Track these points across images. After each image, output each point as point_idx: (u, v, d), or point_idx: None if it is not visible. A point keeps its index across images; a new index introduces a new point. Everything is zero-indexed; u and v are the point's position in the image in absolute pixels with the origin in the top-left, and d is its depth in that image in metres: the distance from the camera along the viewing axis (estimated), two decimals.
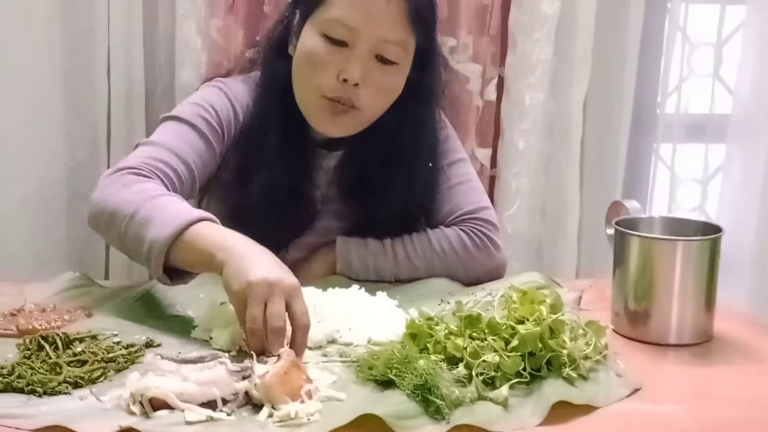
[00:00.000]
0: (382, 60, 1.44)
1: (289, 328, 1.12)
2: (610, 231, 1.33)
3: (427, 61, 1.51)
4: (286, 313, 1.11)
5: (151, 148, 1.40)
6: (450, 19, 1.84)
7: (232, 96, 1.52)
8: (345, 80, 1.42)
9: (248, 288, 1.11)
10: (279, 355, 1.05)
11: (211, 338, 1.20)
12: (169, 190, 1.34)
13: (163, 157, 1.37)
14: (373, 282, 1.46)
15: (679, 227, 1.35)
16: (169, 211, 1.25)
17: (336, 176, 1.57)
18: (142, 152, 1.38)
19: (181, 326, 1.26)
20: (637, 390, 1.10)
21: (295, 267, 1.49)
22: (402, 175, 1.53)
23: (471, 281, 1.48)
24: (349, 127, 1.49)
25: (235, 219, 1.45)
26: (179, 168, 1.38)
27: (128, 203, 1.27)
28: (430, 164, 1.55)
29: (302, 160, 1.54)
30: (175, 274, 1.27)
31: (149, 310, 1.31)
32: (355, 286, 1.35)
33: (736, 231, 2.00)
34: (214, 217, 1.26)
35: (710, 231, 1.30)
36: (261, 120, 1.50)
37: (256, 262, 1.15)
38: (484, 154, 1.89)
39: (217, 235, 1.21)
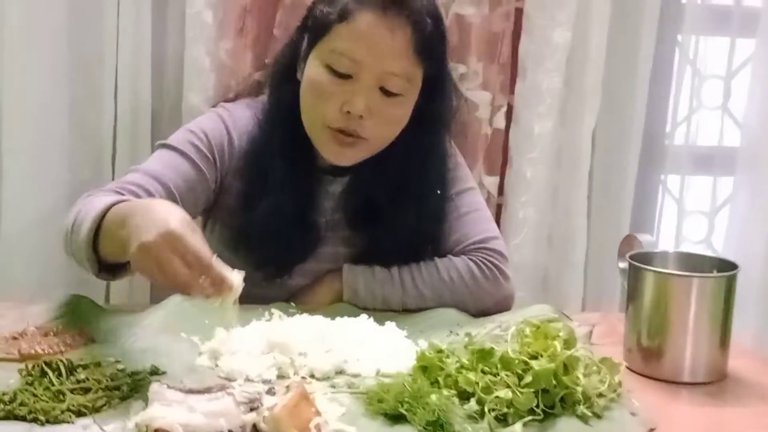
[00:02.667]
0: (386, 92, 1.43)
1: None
2: (623, 265, 1.32)
3: (436, 89, 1.50)
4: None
5: (132, 174, 1.42)
6: (460, 46, 1.83)
7: (230, 122, 1.52)
8: (349, 112, 1.41)
9: (136, 263, 1.12)
10: (288, 387, 1.03)
11: (217, 365, 1.18)
12: None
13: (138, 180, 1.39)
14: (380, 311, 1.44)
15: (693, 262, 1.33)
16: (93, 209, 1.25)
17: (342, 202, 1.56)
18: (122, 178, 1.42)
19: (187, 353, 1.23)
20: (652, 430, 1.08)
21: (300, 293, 1.49)
22: (409, 203, 1.51)
23: (479, 311, 1.46)
24: (357, 156, 1.48)
25: (240, 244, 1.45)
26: (153, 188, 1.39)
27: (75, 218, 1.29)
28: (439, 192, 1.54)
29: (307, 186, 1.53)
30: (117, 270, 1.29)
31: (154, 335, 1.28)
32: (364, 316, 1.33)
33: (742, 264, 1.98)
34: (128, 198, 1.29)
35: (725, 267, 1.28)
36: (266, 144, 1.50)
37: (145, 224, 1.11)
38: (491, 182, 1.88)
39: (121, 211, 1.20)
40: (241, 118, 1.53)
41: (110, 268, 1.29)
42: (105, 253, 1.26)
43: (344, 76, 1.41)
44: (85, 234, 1.24)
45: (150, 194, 1.37)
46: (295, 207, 1.50)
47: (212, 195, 1.50)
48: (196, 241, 1.10)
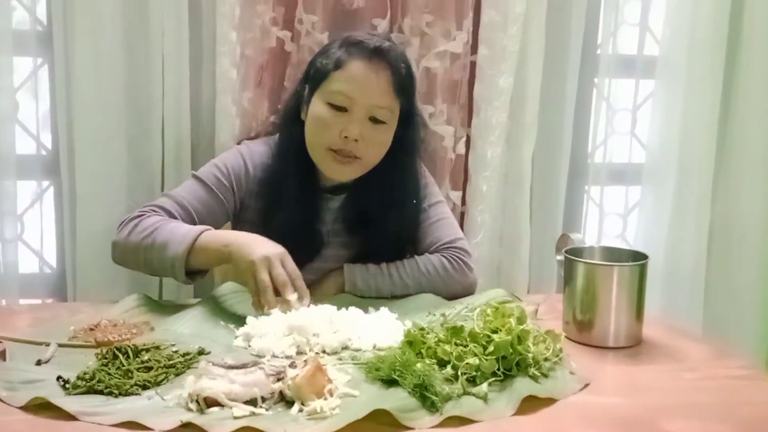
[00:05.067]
0: (375, 120, 1.44)
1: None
2: (560, 257, 1.32)
3: (408, 120, 1.51)
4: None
5: (163, 198, 1.46)
6: (428, 92, 1.82)
7: (248, 156, 1.52)
8: (346, 137, 1.42)
9: (253, 264, 1.26)
10: (306, 361, 1.03)
11: (249, 345, 1.18)
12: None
13: (162, 204, 1.43)
14: (373, 298, 1.43)
15: (614, 254, 1.34)
16: (178, 234, 1.34)
17: (340, 214, 1.55)
18: (151, 202, 1.46)
19: (225, 336, 1.23)
20: (587, 385, 1.09)
21: (310, 287, 1.48)
22: (392, 210, 1.51)
23: (450, 296, 1.46)
24: (354, 172, 1.48)
25: None
26: (173, 209, 1.42)
27: (144, 238, 1.36)
28: (414, 201, 1.54)
29: (313, 203, 1.52)
30: (195, 274, 1.38)
31: (199, 323, 1.27)
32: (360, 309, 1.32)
33: (648, 253, 1.98)
34: (209, 227, 1.37)
35: (638, 257, 1.29)
36: (279, 173, 1.50)
37: (252, 245, 1.29)
38: (456, 196, 1.87)
39: (218, 238, 1.34)
40: (258, 152, 1.53)
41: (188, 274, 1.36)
42: (194, 264, 1.34)
43: (341, 110, 1.43)
44: (183, 249, 1.32)
45: (172, 215, 1.41)
46: (304, 219, 1.50)
47: (231, 213, 1.51)
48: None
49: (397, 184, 1.52)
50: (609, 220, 2.06)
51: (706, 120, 1.96)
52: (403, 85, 1.46)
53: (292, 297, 1.25)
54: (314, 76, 1.47)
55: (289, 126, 1.52)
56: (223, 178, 1.48)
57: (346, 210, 1.55)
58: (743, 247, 1.99)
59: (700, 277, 2.00)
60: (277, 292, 1.26)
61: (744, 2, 1.93)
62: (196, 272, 1.38)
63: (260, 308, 1.25)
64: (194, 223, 1.43)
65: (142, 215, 1.40)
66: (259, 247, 1.29)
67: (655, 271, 1.97)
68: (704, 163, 1.97)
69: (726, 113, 1.99)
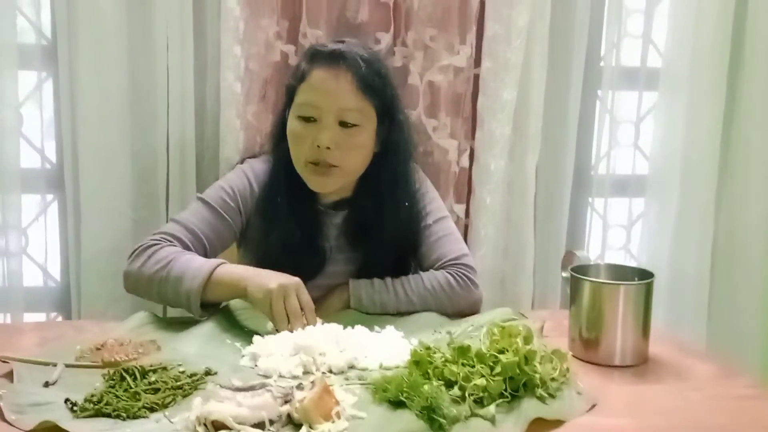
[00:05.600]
0: (345, 125, 1.44)
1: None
2: (566, 274, 1.32)
3: (392, 123, 1.51)
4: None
5: (170, 224, 1.46)
6: (432, 105, 1.82)
7: (251, 176, 1.53)
8: (318, 146, 1.43)
9: (268, 294, 1.28)
10: (313, 383, 1.03)
11: (256, 365, 1.18)
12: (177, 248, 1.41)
13: (173, 231, 1.43)
14: (378, 315, 1.43)
15: (620, 272, 1.33)
16: (192, 267, 1.34)
17: (343, 229, 1.55)
18: (162, 228, 1.45)
19: (232, 355, 1.23)
20: (594, 405, 1.08)
21: (316, 303, 1.48)
22: (389, 215, 1.51)
23: (456, 313, 1.45)
24: (336, 183, 1.49)
25: (263, 266, 1.43)
26: (184, 236, 1.42)
27: (157, 271, 1.35)
28: (407, 204, 1.53)
29: (314, 219, 1.53)
30: (209, 306, 1.37)
31: (205, 342, 1.27)
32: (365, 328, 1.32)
33: (653, 265, 1.98)
34: (223, 261, 1.37)
35: (645, 275, 1.29)
36: (273, 191, 1.51)
37: (266, 277, 1.31)
38: (460, 208, 1.87)
39: (232, 272, 1.35)
40: (262, 171, 1.54)
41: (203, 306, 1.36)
42: (209, 297, 1.34)
43: (311, 120, 1.44)
44: (198, 284, 1.32)
45: (184, 243, 1.42)
46: (303, 236, 1.50)
47: (238, 233, 1.52)
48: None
49: (389, 188, 1.51)
50: (612, 232, 2.06)
51: (710, 132, 1.96)
52: (368, 83, 1.45)
53: (286, 332, 1.25)
54: (287, 95, 1.51)
55: (277, 146, 1.53)
56: (230, 199, 1.49)
57: (348, 224, 1.55)
58: (747, 259, 1.99)
59: (704, 288, 2.00)
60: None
61: (747, 15, 1.93)
62: (210, 304, 1.37)
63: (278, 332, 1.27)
64: (204, 249, 1.44)
65: (155, 245, 1.39)
66: (275, 276, 1.31)
67: (659, 283, 1.95)
68: (708, 175, 1.97)
69: (729, 125, 1.99)
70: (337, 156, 1.44)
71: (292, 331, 1.24)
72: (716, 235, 2.01)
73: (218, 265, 1.35)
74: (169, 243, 1.40)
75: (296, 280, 1.31)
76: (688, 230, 1.98)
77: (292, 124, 1.46)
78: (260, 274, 1.33)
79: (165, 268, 1.35)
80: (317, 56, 1.46)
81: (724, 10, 1.91)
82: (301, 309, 1.29)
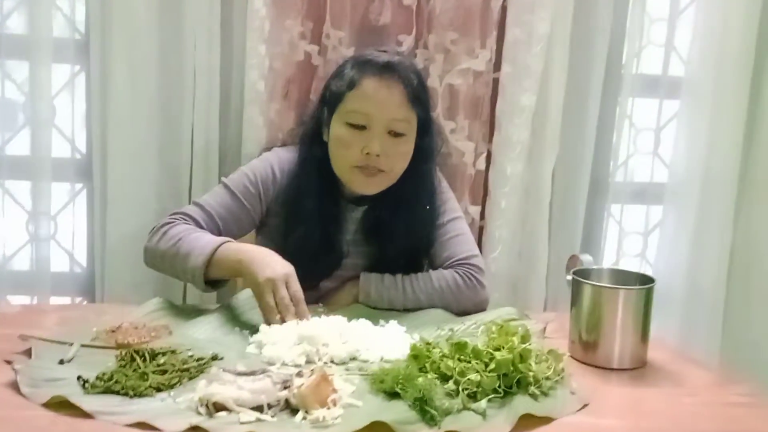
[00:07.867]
0: (394, 134, 1.48)
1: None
2: (569, 278, 1.34)
3: (426, 129, 1.55)
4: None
5: (190, 206, 1.52)
6: (451, 108, 1.86)
7: (276, 163, 1.56)
8: (368, 153, 1.46)
9: (258, 286, 1.31)
10: (312, 371, 1.07)
11: (261, 353, 1.22)
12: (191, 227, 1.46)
13: (189, 211, 1.49)
14: (386, 310, 1.47)
15: (622, 277, 1.35)
16: (198, 245, 1.40)
17: (362, 224, 1.59)
18: (181, 209, 1.51)
19: (239, 343, 1.27)
20: (585, 405, 1.10)
21: (327, 295, 1.53)
22: (408, 217, 1.55)
23: (461, 312, 1.48)
24: (381, 185, 1.53)
25: (281, 255, 1.47)
26: (200, 216, 1.48)
27: (170, 247, 1.42)
28: (428, 207, 1.57)
29: (335, 215, 1.57)
30: (216, 283, 1.43)
31: (215, 329, 1.32)
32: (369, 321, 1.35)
33: (669, 274, 2.00)
34: (229, 239, 1.41)
35: (647, 281, 1.30)
36: (300, 187, 1.54)
37: (261, 264, 1.33)
38: (475, 210, 1.90)
39: (232, 252, 1.38)
40: (287, 160, 1.58)
41: (209, 283, 1.41)
42: (213, 274, 1.39)
43: (361, 128, 1.47)
44: (202, 261, 1.37)
45: (198, 222, 1.47)
46: (324, 232, 1.54)
47: (258, 220, 1.56)
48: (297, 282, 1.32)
49: (413, 190, 1.55)
50: (629, 239, 2.07)
51: (731, 142, 1.96)
52: (417, 95, 1.50)
53: (292, 322, 1.28)
54: (330, 99, 1.52)
55: (310, 146, 1.56)
56: (251, 186, 1.53)
57: (367, 220, 1.59)
58: (764, 271, 1.99)
59: (720, 299, 2.00)
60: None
61: None
62: (217, 281, 1.43)
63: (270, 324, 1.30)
64: (219, 230, 1.49)
65: (171, 223, 1.46)
66: (267, 268, 1.32)
67: (674, 292, 1.98)
68: (727, 185, 1.98)
69: (751, 135, 1.99)
70: (385, 162, 1.48)
71: (283, 323, 1.28)
72: (733, 245, 2.00)
73: (223, 243, 1.39)
74: (184, 222, 1.47)
75: (287, 269, 1.32)
76: (706, 239, 1.98)
77: (339, 130, 1.49)
78: (254, 261, 1.34)
79: (176, 245, 1.41)
80: (369, 65, 1.49)
81: (749, 19, 1.91)
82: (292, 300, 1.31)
